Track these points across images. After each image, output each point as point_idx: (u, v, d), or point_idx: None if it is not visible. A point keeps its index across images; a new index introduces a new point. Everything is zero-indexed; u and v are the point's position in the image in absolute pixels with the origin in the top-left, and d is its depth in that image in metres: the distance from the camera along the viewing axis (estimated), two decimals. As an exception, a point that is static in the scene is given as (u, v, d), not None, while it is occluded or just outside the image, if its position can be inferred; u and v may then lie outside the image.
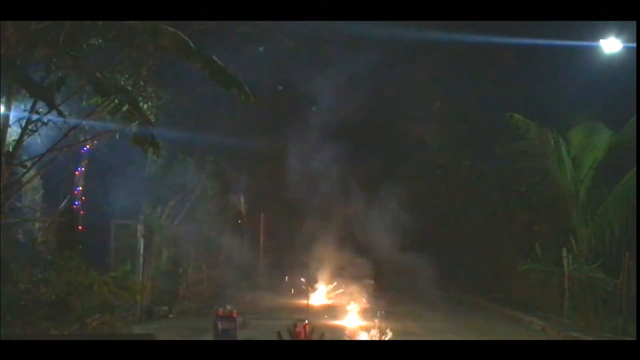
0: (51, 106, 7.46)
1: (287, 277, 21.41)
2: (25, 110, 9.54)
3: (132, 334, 11.01)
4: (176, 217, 17.88)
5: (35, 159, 9.63)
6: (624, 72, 14.37)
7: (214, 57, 6.91)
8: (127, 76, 10.24)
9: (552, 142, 17.11)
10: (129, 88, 10.00)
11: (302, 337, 9.81)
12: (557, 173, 17.29)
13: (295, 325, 9.75)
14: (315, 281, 20.70)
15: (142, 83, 11.52)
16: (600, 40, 15.38)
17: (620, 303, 13.80)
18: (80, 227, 15.24)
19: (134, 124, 8.35)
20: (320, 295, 20.45)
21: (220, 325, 11.18)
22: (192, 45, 6.79)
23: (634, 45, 13.62)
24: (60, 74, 8.35)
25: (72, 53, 7.94)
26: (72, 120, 9.89)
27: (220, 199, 21.30)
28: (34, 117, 9.31)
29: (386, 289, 19.03)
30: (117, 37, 9.02)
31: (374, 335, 11.94)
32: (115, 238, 15.48)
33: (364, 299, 17.36)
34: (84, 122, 9.87)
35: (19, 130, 9.41)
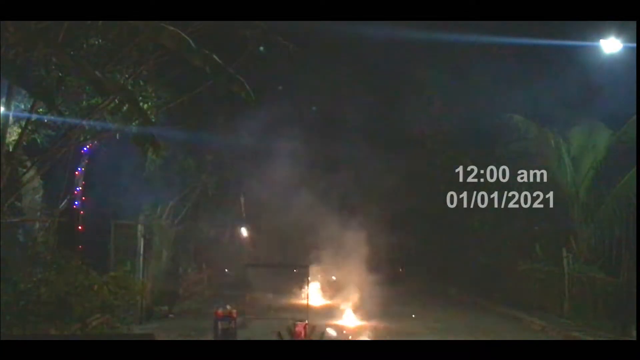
0: (51, 106, 7.46)
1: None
2: (25, 110, 9.56)
3: (132, 334, 10.99)
4: (176, 217, 17.88)
5: (35, 159, 9.63)
6: (624, 72, 14.35)
7: (215, 57, 6.89)
8: (127, 76, 10.22)
9: (552, 142, 17.10)
10: (129, 88, 9.99)
11: (302, 337, 9.83)
12: (557, 173, 17.28)
13: (295, 325, 9.76)
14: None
15: (142, 83, 11.52)
16: (600, 40, 15.36)
17: (620, 303, 13.80)
18: (80, 227, 15.24)
19: (134, 124, 8.34)
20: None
21: (220, 325, 11.20)
22: (192, 44, 6.77)
23: (634, 45, 13.60)
24: (60, 74, 8.34)
25: (72, 53, 7.93)
26: (72, 120, 9.88)
27: (220, 198, 21.27)
28: (34, 117, 9.32)
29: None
30: (117, 37, 9.02)
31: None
32: (115, 238, 15.48)
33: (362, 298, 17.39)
34: (84, 122, 9.86)
35: (19, 130, 9.42)
